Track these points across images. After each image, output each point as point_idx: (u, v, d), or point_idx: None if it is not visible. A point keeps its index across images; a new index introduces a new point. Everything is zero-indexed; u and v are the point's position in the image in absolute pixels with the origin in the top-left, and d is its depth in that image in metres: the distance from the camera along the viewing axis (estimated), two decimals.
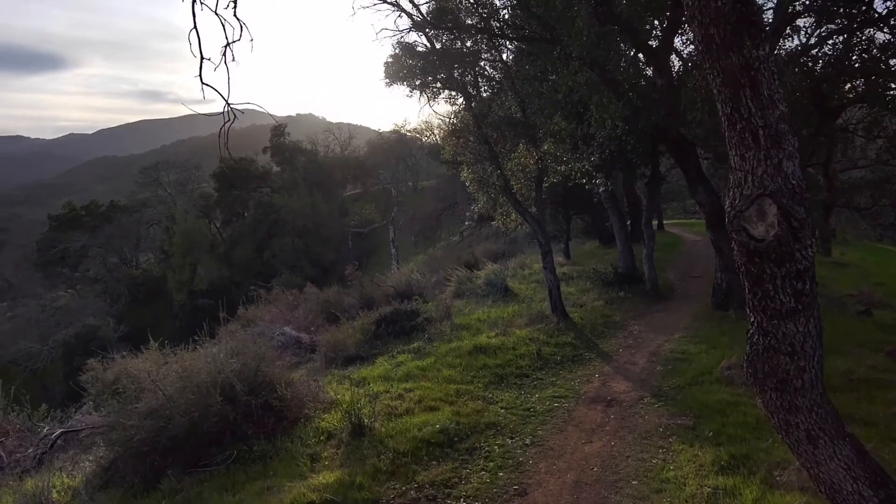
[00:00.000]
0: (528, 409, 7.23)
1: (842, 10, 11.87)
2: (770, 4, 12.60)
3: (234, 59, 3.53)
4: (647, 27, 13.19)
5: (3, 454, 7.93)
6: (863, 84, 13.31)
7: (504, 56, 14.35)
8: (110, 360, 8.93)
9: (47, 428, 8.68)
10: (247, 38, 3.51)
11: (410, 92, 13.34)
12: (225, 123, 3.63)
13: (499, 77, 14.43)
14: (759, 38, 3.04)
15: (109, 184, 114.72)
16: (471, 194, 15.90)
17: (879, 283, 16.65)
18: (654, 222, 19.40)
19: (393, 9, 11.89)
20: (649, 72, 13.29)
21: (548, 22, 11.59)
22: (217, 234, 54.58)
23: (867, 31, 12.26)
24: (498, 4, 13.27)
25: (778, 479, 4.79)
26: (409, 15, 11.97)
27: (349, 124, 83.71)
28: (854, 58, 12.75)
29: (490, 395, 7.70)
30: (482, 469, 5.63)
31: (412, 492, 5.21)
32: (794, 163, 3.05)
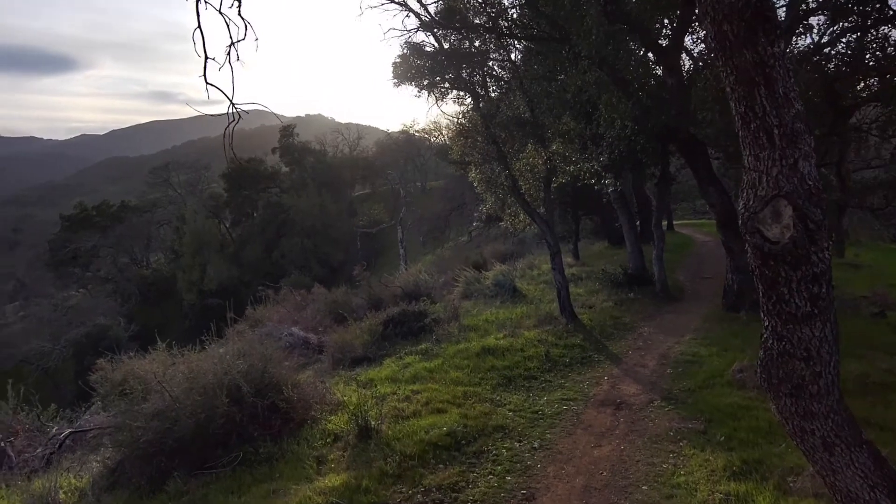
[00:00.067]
0: (537, 412, 7.16)
1: (855, 7, 11.71)
2: (782, 2, 12.46)
3: (238, 59, 3.49)
4: (657, 26, 13.07)
5: (12, 454, 7.97)
6: (877, 83, 13.11)
7: (512, 56, 14.30)
8: (118, 360, 8.94)
9: (56, 428, 8.73)
10: (251, 37, 3.47)
11: (419, 92, 13.30)
12: (230, 124, 3.59)
13: (507, 77, 14.37)
14: (774, 34, 2.96)
15: (121, 184, 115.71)
16: (479, 195, 15.82)
17: (893, 285, 16.37)
18: (664, 223, 19.27)
19: (400, 8, 11.86)
20: (659, 71, 13.19)
21: (556, 21, 11.51)
22: (226, 235, 54.87)
23: (881, 28, 12.08)
24: (506, 4, 13.22)
25: (791, 485, 4.69)
26: (417, 15, 11.94)
27: (358, 125, 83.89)
28: (868, 56, 12.56)
29: (498, 398, 7.63)
30: (490, 473, 5.57)
31: (419, 496, 5.15)
32: (811, 163, 2.96)
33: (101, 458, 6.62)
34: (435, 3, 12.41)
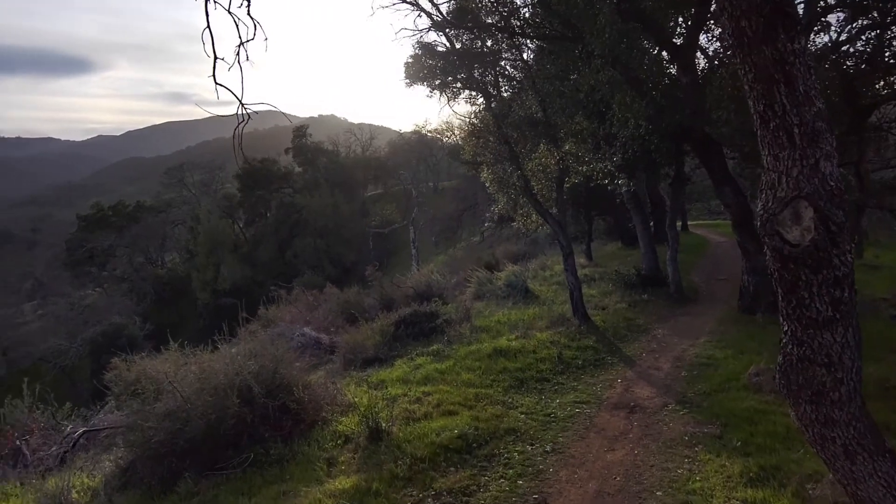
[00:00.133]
0: (549, 415, 7.08)
1: (875, 4, 11.49)
2: None
3: (248, 59, 3.46)
4: (672, 24, 12.93)
5: (27, 452, 8.06)
6: None
7: (525, 55, 14.18)
8: (131, 360, 9.00)
9: (70, 426, 8.81)
10: (261, 37, 3.44)
11: (430, 92, 13.25)
12: (239, 124, 3.56)
13: (519, 76, 14.27)
14: (795, 30, 2.88)
15: (137, 184, 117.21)
16: (491, 195, 15.76)
17: None
18: (678, 223, 19.05)
19: (412, 8, 11.82)
20: (673, 70, 13.03)
21: (569, 20, 11.41)
22: (240, 234, 55.26)
23: None
24: (518, 3, 13.10)
25: (811, 492, 4.58)
26: (429, 14, 11.90)
27: (370, 125, 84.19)
28: (888, 54, 12.33)
29: (510, 400, 7.56)
30: (501, 477, 5.51)
31: (429, 499, 5.11)
32: (833, 163, 2.88)
33: (114, 458, 6.67)
34: (447, 2, 12.36)
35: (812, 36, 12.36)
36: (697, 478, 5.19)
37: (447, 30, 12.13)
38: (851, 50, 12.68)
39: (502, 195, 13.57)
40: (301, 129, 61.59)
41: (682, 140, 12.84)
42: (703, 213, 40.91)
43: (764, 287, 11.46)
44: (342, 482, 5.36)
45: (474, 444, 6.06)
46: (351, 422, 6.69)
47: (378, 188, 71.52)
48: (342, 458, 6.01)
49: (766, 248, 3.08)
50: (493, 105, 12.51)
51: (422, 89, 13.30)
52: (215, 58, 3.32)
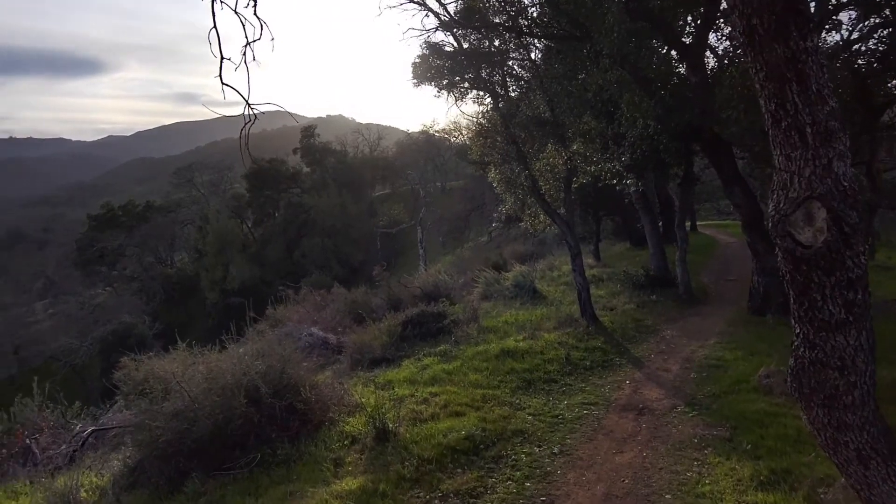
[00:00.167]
0: (557, 416, 7.05)
1: (888, 2, 11.36)
2: None
3: (254, 59, 3.46)
4: (680, 23, 12.82)
5: (36, 451, 8.11)
6: None
7: (532, 55, 14.14)
8: (140, 359, 9.05)
9: (80, 425, 8.87)
10: (267, 37, 3.44)
11: (438, 92, 13.26)
12: (245, 124, 3.56)
13: (527, 76, 14.23)
14: (807, 27, 2.83)
15: (147, 184, 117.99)
16: (499, 195, 15.73)
17: None
18: (687, 223, 18.94)
19: (420, 8, 11.82)
20: (682, 69, 12.94)
21: (577, 19, 11.36)
22: (249, 234, 55.52)
23: None
24: (526, 2, 13.07)
25: (822, 496, 4.52)
26: (436, 14, 11.89)
27: (378, 125, 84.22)
28: None
29: (517, 401, 7.53)
30: (508, 478, 5.47)
31: (436, 501, 5.09)
32: (846, 163, 2.83)
33: (122, 457, 6.69)
34: (454, 2, 12.35)
35: (823, 34, 12.24)
36: (707, 481, 5.14)
37: (455, 29, 12.11)
38: (863, 48, 12.54)
39: (510, 195, 13.54)
40: (309, 130, 61.78)
41: (691, 140, 12.75)
42: (713, 214, 40.64)
43: (774, 288, 11.36)
44: (349, 483, 5.36)
45: (481, 446, 6.03)
46: (358, 422, 6.68)
47: (386, 188, 71.58)
48: (349, 458, 6.00)
49: (777, 249, 3.03)
50: (500, 105, 12.48)
51: (429, 89, 13.33)
52: (222, 58, 3.32)
